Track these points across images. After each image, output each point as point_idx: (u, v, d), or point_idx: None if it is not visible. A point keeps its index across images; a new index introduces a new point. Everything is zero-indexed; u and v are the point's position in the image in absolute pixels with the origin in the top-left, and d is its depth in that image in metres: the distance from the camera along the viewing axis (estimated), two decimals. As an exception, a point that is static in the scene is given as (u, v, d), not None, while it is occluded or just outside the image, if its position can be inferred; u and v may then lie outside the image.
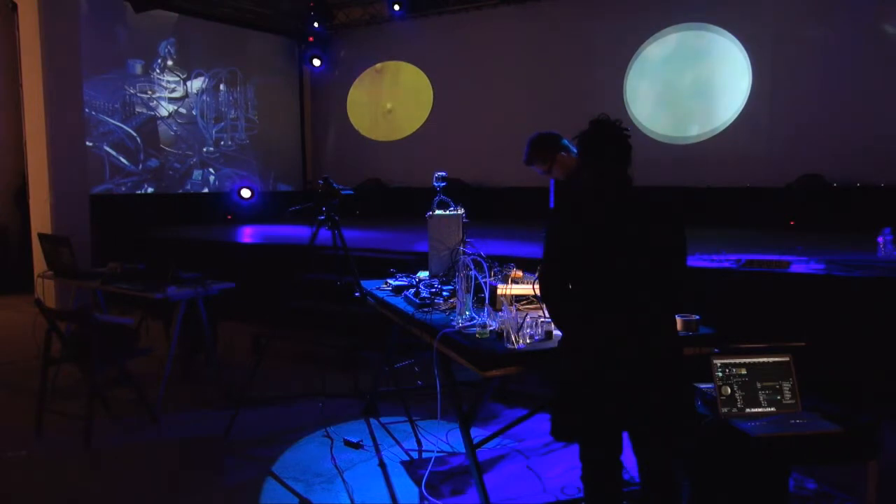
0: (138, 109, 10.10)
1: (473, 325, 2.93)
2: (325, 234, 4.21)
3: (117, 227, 8.99)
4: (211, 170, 11.19)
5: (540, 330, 2.79)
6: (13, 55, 8.53)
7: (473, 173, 10.33)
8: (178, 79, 10.67)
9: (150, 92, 10.25)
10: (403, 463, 3.70)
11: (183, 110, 10.76)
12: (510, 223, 8.90)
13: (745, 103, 8.77)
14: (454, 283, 3.29)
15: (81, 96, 8.02)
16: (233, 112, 11.51)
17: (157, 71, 10.39)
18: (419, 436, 3.97)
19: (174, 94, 10.62)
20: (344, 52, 12.54)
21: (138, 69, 10.12)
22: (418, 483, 3.42)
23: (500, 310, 2.97)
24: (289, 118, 12.53)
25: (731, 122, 8.89)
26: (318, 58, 12.22)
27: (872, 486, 2.70)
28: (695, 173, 8.93)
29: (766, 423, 2.72)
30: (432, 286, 3.65)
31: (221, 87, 11.33)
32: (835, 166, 8.01)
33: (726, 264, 4.88)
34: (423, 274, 4.03)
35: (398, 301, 3.63)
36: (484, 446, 3.48)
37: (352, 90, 12.43)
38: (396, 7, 10.94)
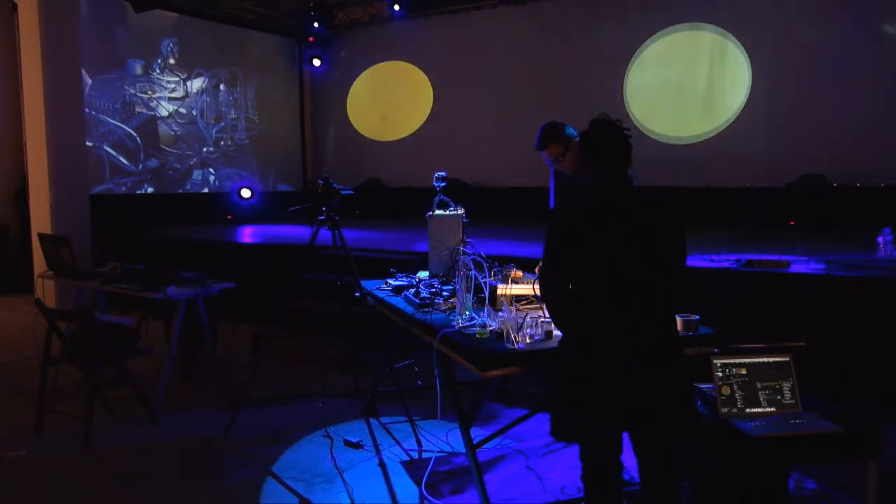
0: (138, 109, 10.10)
1: (473, 325, 2.93)
2: (325, 234, 4.21)
3: (117, 227, 8.99)
4: (211, 170, 11.19)
5: (540, 330, 2.79)
6: (13, 55, 8.53)
7: (473, 173, 10.33)
8: (178, 79, 10.67)
9: (150, 92, 10.25)
10: (403, 463, 3.70)
11: (183, 110, 10.76)
12: (510, 223, 8.90)
13: (745, 103, 8.76)
14: (454, 283, 3.29)
15: (81, 96, 8.03)
16: (233, 112, 11.51)
17: (157, 71, 10.39)
18: (419, 436, 3.97)
19: (174, 94, 10.61)
20: (344, 52, 12.54)
21: (138, 69, 10.12)
22: (418, 483, 3.42)
23: (500, 310, 2.97)
24: (289, 118, 12.53)
25: (730, 122, 8.89)
26: (318, 58, 12.22)
27: (872, 486, 2.70)
28: (695, 173, 8.93)
29: (766, 423, 2.72)
30: (432, 286, 3.65)
31: (221, 87, 11.33)
32: (835, 166, 8.01)
33: (726, 264, 4.88)
34: (423, 274, 4.03)
35: (398, 301, 3.63)
36: (484, 446, 3.48)
37: (352, 90, 12.43)
38: (396, 7, 10.93)
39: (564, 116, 3.74)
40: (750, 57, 8.70)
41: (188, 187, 10.84)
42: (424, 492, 3.33)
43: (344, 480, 3.49)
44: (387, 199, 11.47)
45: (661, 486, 2.44)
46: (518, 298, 3.19)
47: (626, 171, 2.40)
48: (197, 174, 10.98)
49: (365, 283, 4.13)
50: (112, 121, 9.72)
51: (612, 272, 2.30)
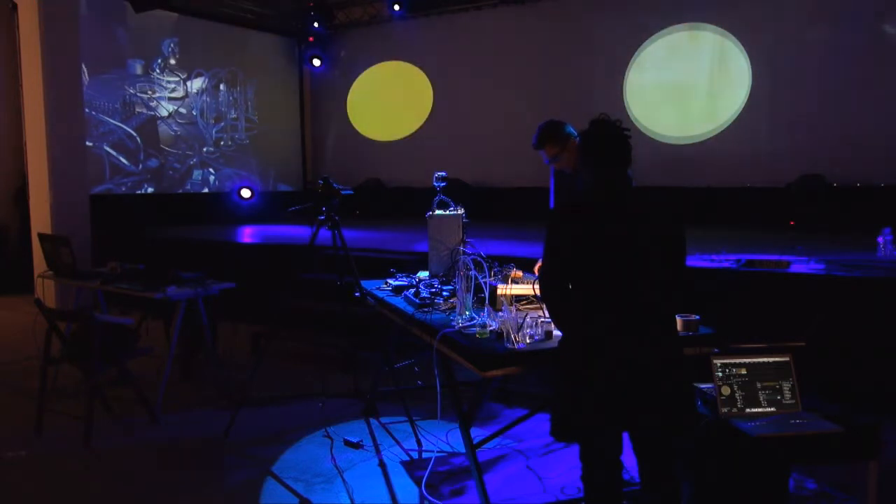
0: (138, 109, 10.10)
1: (473, 325, 2.93)
2: (325, 234, 4.21)
3: (117, 227, 8.99)
4: (211, 170, 11.19)
5: (540, 330, 2.79)
6: (13, 55, 8.53)
7: (473, 173, 10.33)
8: (178, 79, 10.67)
9: (150, 92, 10.25)
10: (403, 463, 3.70)
11: (183, 110, 10.76)
12: (510, 223, 8.90)
13: (745, 103, 8.76)
14: (454, 283, 3.29)
15: (81, 96, 8.02)
16: (233, 112, 11.51)
17: (157, 71, 10.39)
18: (419, 436, 3.97)
19: (174, 94, 10.61)
20: (344, 52, 12.54)
21: (138, 69, 10.12)
22: (418, 483, 3.42)
23: (500, 310, 2.97)
24: (289, 118, 12.53)
25: (731, 122, 8.89)
26: (318, 58, 12.22)
27: (872, 486, 2.70)
28: (695, 173, 8.93)
29: (766, 423, 2.72)
30: (432, 286, 3.65)
31: (221, 87, 11.32)
32: (835, 166, 8.01)
33: (726, 264, 4.88)
34: (423, 274, 4.03)
35: (398, 301, 3.63)
36: (484, 446, 3.48)
37: (352, 90, 12.43)
38: (396, 7, 10.93)
39: (564, 116, 3.74)
40: (750, 57, 8.70)
41: (188, 187, 10.84)
42: (424, 492, 3.33)
43: (344, 480, 3.49)
44: (387, 199, 11.47)
45: (661, 486, 2.44)
46: (518, 298, 3.19)
47: (625, 171, 2.40)
48: (197, 174, 10.98)
49: (365, 283, 4.13)
50: (112, 121, 9.72)
51: (611, 272, 2.30)
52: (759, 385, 2.85)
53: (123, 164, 9.88)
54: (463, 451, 3.55)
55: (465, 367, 2.77)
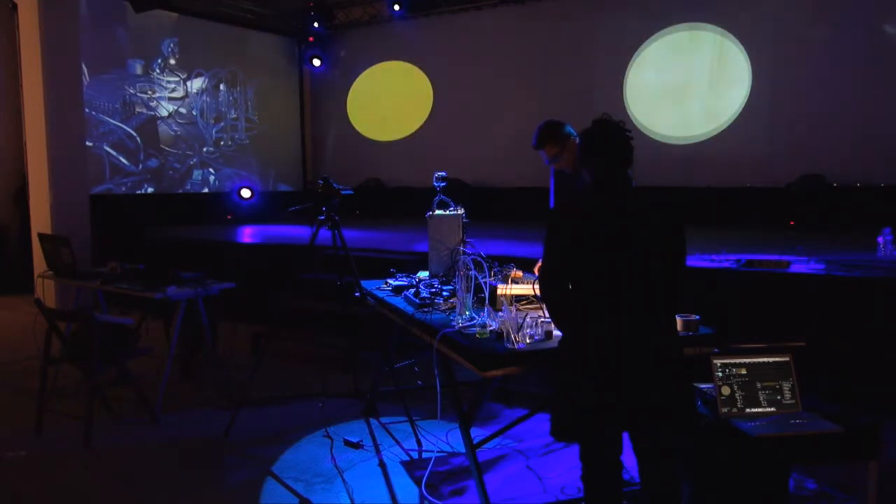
0: (138, 109, 10.10)
1: (473, 325, 2.93)
2: (325, 234, 4.21)
3: (117, 227, 8.99)
4: (211, 170, 11.19)
5: (540, 330, 2.78)
6: (13, 55, 8.53)
7: (473, 173, 10.33)
8: (178, 79, 10.67)
9: (150, 92, 10.25)
10: (403, 463, 3.70)
11: (183, 110, 10.76)
12: (510, 223, 8.90)
13: (745, 103, 8.77)
14: (454, 283, 3.29)
15: (81, 96, 8.02)
16: (233, 112, 11.51)
17: (157, 71, 10.39)
18: (419, 436, 3.97)
19: (174, 94, 10.61)
20: (344, 52, 12.54)
21: (138, 69, 10.12)
22: (418, 483, 3.42)
23: (500, 310, 2.97)
24: (289, 118, 12.53)
25: (730, 122, 8.89)
26: (318, 58, 12.22)
27: (872, 486, 2.70)
28: (695, 173, 8.94)
29: (766, 423, 2.72)
30: (432, 286, 3.65)
31: (221, 87, 11.32)
32: (835, 166, 8.01)
33: (726, 264, 4.88)
34: (423, 274, 4.03)
35: (398, 301, 3.63)
36: (484, 446, 3.48)
37: (352, 90, 12.43)
38: (396, 7, 10.93)
39: (564, 117, 3.74)
40: (750, 57, 8.70)
41: (188, 187, 10.84)
42: (424, 492, 3.33)
43: (344, 480, 3.49)
44: (387, 199, 11.47)
45: (661, 486, 2.44)
46: (518, 298, 3.19)
47: (626, 171, 2.41)
48: (197, 174, 10.98)
49: (365, 283, 4.13)
50: (112, 121, 9.72)
51: (611, 272, 2.30)
52: (759, 385, 2.85)
53: (123, 164, 9.88)
54: (463, 451, 3.55)
55: (465, 367, 2.77)
